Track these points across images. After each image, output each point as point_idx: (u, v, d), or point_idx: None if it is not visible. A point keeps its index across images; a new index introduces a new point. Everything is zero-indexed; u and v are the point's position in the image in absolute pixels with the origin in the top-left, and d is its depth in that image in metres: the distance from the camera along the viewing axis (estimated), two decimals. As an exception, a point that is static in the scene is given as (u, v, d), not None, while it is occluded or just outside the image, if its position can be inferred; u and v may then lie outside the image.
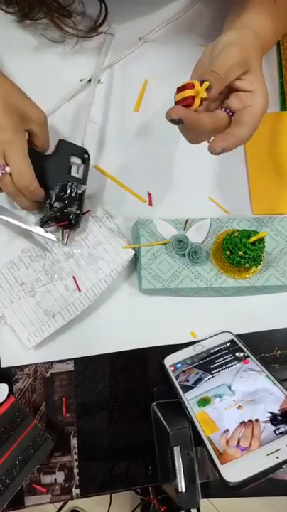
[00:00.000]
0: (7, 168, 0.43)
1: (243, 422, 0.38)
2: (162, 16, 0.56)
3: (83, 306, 0.48)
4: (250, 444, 0.36)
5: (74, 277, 0.49)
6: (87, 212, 0.50)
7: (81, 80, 0.54)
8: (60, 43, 0.53)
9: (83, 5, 0.52)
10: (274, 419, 0.38)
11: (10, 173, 0.43)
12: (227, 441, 0.37)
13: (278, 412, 0.38)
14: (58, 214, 0.46)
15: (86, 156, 0.48)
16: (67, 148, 0.48)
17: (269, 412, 0.38)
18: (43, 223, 0.48)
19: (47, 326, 0.48)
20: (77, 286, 0.48)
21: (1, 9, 0.50)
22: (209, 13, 0.57)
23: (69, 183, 0.46)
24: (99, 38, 0.54)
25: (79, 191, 0.47)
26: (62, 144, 0.48)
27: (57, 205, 0.46)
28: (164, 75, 0.54)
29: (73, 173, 0.47)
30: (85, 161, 0.48)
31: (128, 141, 0.55)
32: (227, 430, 0.38)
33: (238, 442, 0.36)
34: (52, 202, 0.46)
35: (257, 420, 0.38)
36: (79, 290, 0.48)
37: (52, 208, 0.46)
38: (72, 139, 0.49)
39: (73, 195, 0.46)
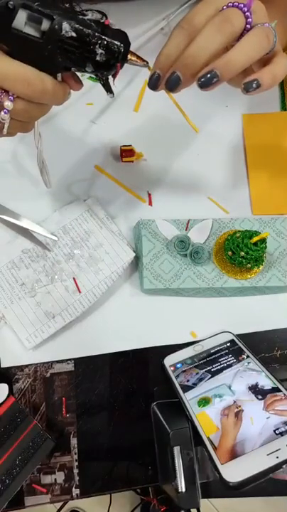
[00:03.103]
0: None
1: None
2: (161, 19, 0.56)
3: (83, 307, 0.48)
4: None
5: (74, 279, 0.49)
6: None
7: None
8: None
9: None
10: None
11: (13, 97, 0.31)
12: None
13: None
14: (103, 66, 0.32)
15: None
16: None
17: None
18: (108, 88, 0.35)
19: (47, 327, 0.48)
20: (77, 287, 0.48)
21: None
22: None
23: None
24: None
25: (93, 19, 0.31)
26: None
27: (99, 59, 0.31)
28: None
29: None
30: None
31: (128, 141, 0.55)
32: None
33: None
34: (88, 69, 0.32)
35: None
36: (80, 292, 0.48)
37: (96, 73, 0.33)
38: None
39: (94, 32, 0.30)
